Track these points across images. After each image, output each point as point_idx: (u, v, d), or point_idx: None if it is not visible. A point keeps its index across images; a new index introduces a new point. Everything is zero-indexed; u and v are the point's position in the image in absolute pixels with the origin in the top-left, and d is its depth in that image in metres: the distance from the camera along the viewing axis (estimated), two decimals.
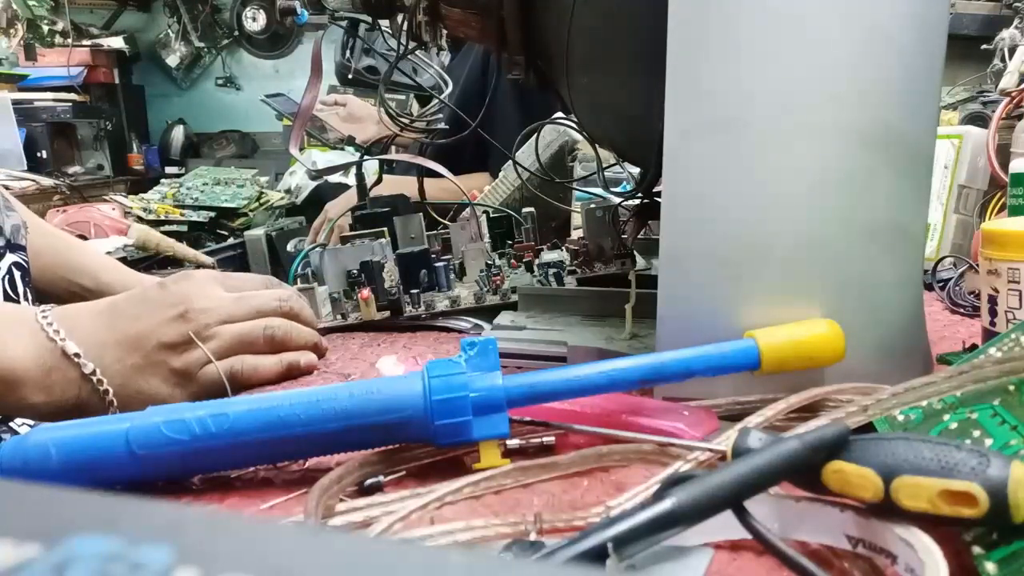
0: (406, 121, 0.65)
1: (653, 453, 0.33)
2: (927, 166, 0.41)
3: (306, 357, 0.51)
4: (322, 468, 0.35)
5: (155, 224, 2.12)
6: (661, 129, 0.38)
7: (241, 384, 0.48)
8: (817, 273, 0.38)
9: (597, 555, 0.22)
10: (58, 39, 2.91)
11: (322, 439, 0.33)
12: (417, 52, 0.61)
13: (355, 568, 0.12)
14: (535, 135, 0.80)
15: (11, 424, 0.67)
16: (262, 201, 2.46)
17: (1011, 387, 0.29)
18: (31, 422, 0.67)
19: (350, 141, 1.61)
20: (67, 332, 0.45)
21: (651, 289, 0.43)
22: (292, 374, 0.50)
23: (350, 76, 1.58)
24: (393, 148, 1.20)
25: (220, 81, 3.42)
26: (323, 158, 2.13)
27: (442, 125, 0.67)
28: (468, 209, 0.73)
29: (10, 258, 0.66)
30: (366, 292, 0.59)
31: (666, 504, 0.23)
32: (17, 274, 0.66)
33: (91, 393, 0.45)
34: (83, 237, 1.62)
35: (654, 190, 0.56)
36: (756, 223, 0.38)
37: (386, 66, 0.63)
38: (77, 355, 0.45)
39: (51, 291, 0.73)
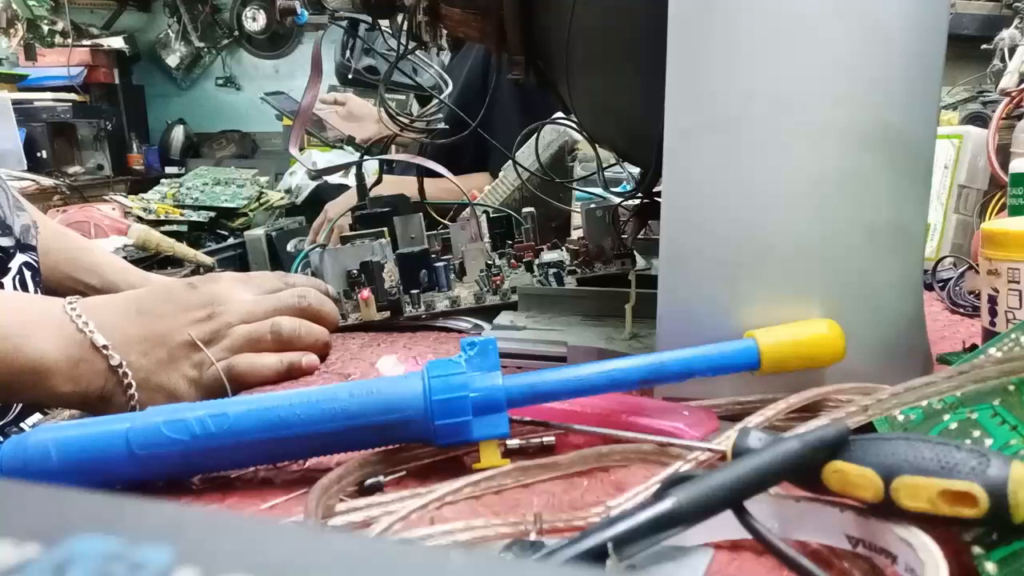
0: (406, 121, 0.65)
1: (653, 453, 0.33)
2: (927, 166, 0.41)
3: (307, 357, 0.51)
4: (322, 468, 0.35)
5: (155, 224, 2.12)
6: (661, 129, 0.38)
7: (239, 382, 0.49)
8: (817, 273, 0.38)
9: (597, 555, 0.22)
10: (58, 39, 2.92)
11: (322, 439, 0.33)
12: (417, 52, 0.61)
13: (355, 568, 0.12)
14: (535, 135, 0.80)
15: (22, 424, 0.67)
16: (262, 201, 2.46)
17: (1011, 387, 0.29)
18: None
19: (350, 141, 1.61)
20: (95, 325, 0.46)
21: (651, 289, 0.43)
22: (293, 374, 0.50)
23: (350, 76, 1.58)
24: (393, 148, 1.20)
25: (220, 81, 3.42)
26: (323, 158, 2.13)
27: (442, 125, 0.67)
28: (468, 209, 0.73)
29: (20, 258, 0.66)
30: (366, 293, 0.59)
31: (666, 504, 0.23)
32: (28, 274, 0.66)
33: (115, 385, 0.46)
34: None
35: (654, 190, 0.56)
36: (756, 223, 0.38)
37: (386, 66, 0.63)
38: (105, 347, 0.46)
39: (58, 290, 0.73)
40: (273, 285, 0.55)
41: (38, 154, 2.51)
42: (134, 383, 0.46)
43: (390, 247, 0.63)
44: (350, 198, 1.15)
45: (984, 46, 1.25)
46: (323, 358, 0.53)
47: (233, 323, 0.50)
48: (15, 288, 0.64)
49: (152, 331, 0.47)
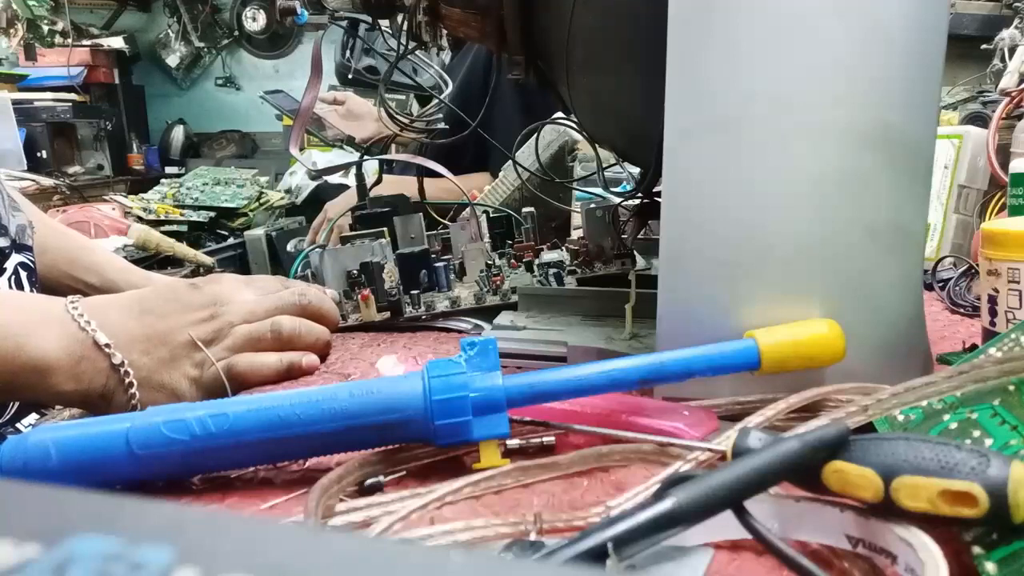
0: (406, 121, 0.65)
1: (653, 453, 0.33)
2: (927, 166, 0.41)
3: (307, 357, 0.51)
4: (322, 468, 0.35)
5: (155, 224, 2.12)
6: (661, 129, 0.38)
7: (240, 381, 0.49)
8: (817, 273, 0.38)
9: (597, 555, 0.22)
10: (58, 39, 2.91)
11: (322, 439, 0.33)
12: (417, 52, 0.61)
13: (355, 568, 0.12)
14: (535, 135, 0.80)
15: (18, 424, 0.67)
16: (262, 201, 2.46)
17: (1011, 387, 0.29)
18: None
19: (349, 140, 1.61)
20: (97, 323, 0.46)
21: (651, 289, 0.43)
22: (293, 373, 0.50)
23: (350, 76, 1.58)
24: (393, 147, 1.20)
25: (220, 81, 3.42)
26: (323, 158, 2.13)
27: (442, 125, 0.67)
28: (468, 209, 0.73)
29: (16, 258, 0.66)
30: (366, 293, 0.59)
31: (666, 504, 0.23)
32: (23, 274, 0.66)
33: (117, 384, 0.46)
34: None
35: (654, 190, 0.56)
36: (756, 223, 0.38)
37: (386, 66, 0.63)
38: (108, 345, 0.46)
39: (57, 288, 0.73)
40: (275, 287, 0.55)
41: (38, 154, 2.51)
42: (135, 382, 0.46)
43: (390, 247, 0.63)
44: (350, 198, 1.15)
45: (984, 46, 1.25)
46: (323, 358, 0.53)
47: (235, 323, 0.50)
48: (10, 288, 0.64)
49: (154, 330, 0.48)
